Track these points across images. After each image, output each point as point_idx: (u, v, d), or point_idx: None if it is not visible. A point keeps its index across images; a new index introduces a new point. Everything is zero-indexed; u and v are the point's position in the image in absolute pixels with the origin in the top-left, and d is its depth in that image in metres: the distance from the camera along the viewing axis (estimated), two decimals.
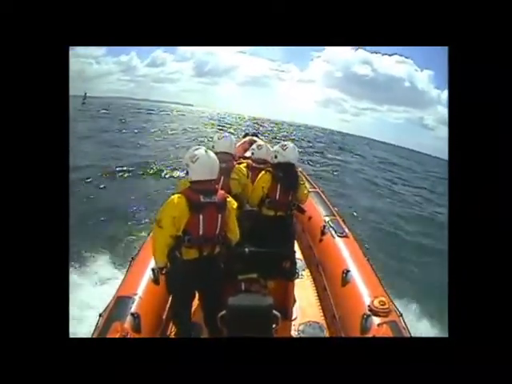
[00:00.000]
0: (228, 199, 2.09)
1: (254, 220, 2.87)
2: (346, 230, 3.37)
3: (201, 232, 1.97)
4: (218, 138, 2.69)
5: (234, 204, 2.14)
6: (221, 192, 2.08)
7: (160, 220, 1.97)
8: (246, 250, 2.38)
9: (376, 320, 2.16)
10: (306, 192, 2.84)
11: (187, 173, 2.03)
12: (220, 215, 2.02)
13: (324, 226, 3.41)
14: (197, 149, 2.07)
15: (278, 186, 2.66)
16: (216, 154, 2.13)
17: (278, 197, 2.67)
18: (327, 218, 3.58)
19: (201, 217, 1.95)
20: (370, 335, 2.09)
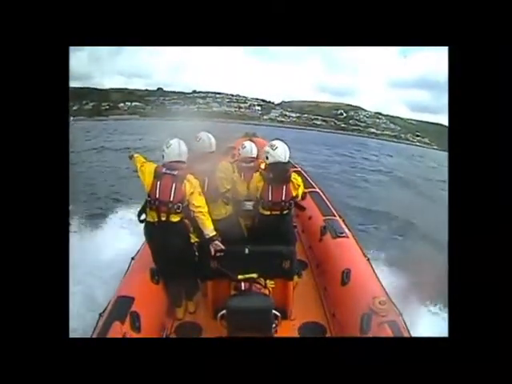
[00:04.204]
0: (188, 177, 2.46)
1: (252, 220, 2.89)
2: (346, 230, 3.36)
3: (157, 195, 2.40)
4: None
5: (194, 180, 2.49)
6: (185, 170, 2.48)
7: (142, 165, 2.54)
8: (246, 250, 2.38)
9: (376, 320, 2.16)
10: (298, 187, 2.79)
11: (163, 156, 2.51)
12: (174, 184, 2.41)
13: (324, 226, 3.41)
14: (171, 139, 2.54)
15: (270, 187, 2.69)
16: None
17: (270, 197, 2.70)
18: (327, 218, 3.58)
19: (158, 183, 2.42)
20: (369, 335, 2.09)
